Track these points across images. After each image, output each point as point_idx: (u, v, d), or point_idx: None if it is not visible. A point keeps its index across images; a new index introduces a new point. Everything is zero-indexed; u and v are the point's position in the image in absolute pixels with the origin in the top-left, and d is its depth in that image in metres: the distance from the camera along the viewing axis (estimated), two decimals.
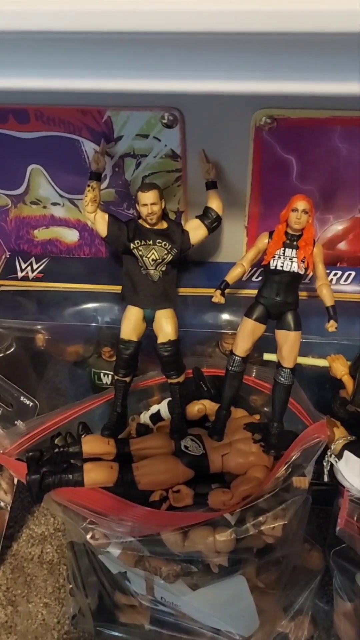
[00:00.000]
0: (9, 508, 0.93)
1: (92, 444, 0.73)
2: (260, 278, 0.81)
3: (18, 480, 0.94)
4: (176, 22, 0.45)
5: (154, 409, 0.84)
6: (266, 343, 0.74)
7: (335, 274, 0.81)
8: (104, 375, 0.90)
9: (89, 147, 0.72)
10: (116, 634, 0.83)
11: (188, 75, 0.50)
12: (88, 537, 0.70)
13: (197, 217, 0.71)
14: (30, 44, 0.50)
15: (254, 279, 0.81)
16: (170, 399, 0.79)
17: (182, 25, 0.45)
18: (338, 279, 0.81)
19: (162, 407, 0.83)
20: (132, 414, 0.84)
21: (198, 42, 0.48)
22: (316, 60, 0.47)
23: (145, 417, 0.84)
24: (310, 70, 0.48)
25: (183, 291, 0.80)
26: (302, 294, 0.75)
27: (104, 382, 0.90)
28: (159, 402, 0.85)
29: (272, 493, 0.68)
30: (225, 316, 0.80)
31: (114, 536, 0.69)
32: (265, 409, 0.84)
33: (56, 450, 0.72)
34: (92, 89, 0.52)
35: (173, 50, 0.49)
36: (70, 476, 0.69)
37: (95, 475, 0.69)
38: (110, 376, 0.89)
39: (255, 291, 0.72)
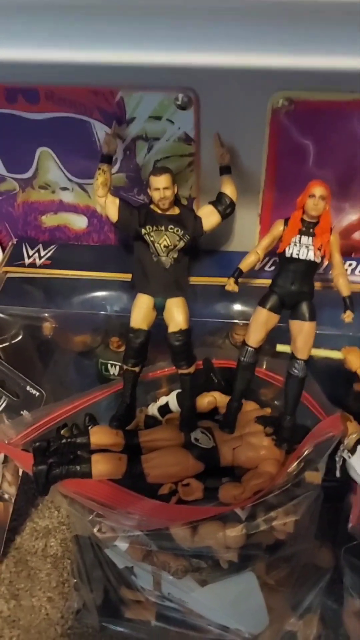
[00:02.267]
0: (13, 500, 0.91)
1: (100, 435, 0.71)
2: (273, 268, 0.79)
3: (22, 473, 0.93)
4: None
5: (162, 400, 0.82)
6: (278, 334, 0.72)
7: (350, 265, 0.79)
8: (112, 366, 0.88)
9: (100, 130, 0.70)
10: (121, 629, 0.82)
11: (202, 48, 0.48)
12: (95, 530, 0.68)
13: (210, 203, 0.69)
14: (39, 13, 0.48)
15: (266, 268, 0.79)
16: (179, 390, 0.78)
17: None
18: (353, 270, 0.79)
19: (171, 399, 0.81)
20: (140, 406, 0.82)
21: (213, 11, 0.45)
22: (339, 33, 0.45)
23: (153, 409, 0.82)
24: (332, 43, 0.46)
25: (194, 280, 0.78)
26: (315, 285, 0.73)
27: (112, 373, 0.88)
28: (167, 394, 0.83)
29: (283, 488, 0.67)
30: (237, 306, 0.79)
31: (122, 530, 0.68)
32: (275, 402, 0.82)
33: (63, 440, 0.70)
34: (102, 61, 0.50)
35: (187, 22, 0.47)
36: (78, 467, 0.67)
37: (103, 466, 0.68)
38: (117, 367, 0.88)
39: (268, 281, 0.70)
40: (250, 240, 0.80)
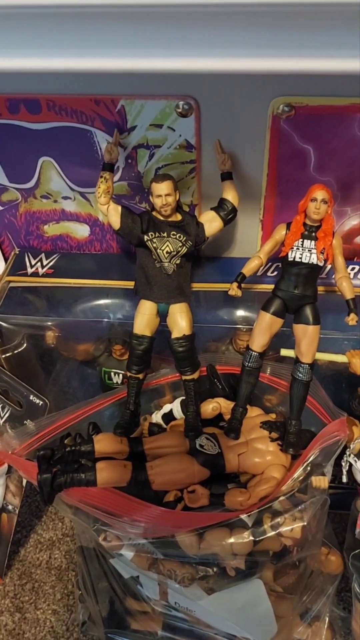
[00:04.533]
0: (17, 512, 0.91)
1: (104, 443, 0.70)
2: (275, 273, 0.79)
3: (26, 485, 0.92)
4: None
5: (166, 408, 0.82)
6: (281, 340, 0.72)
7: (353, 269, 0.79)
8: (115, 375, 0.88)
9: (102, 139, 0.70)
10: None
11: (201, 54, 0.48)
12: (100, 539, 0.68)
13: (212, 209, 0.69)
14: (36, 21, 0.47)
15: (269, 273, 0.79)
16: (182, 397, 0.78)
17: None
18: (355, 274, 0.79)
19: (175, 406, 0.81)
20: (144, 414, 0.82)
21: (214, 15, 0.45)
22: (340, 36, 0.45)
23: (157, 417, 0.82)
24: (334, 46, 0.46)
25: (196, 286, 0.78)
26: (318, 289, 0.73)
27: (115, 381, 0.88)
28: (170, 402, 0.83)
29: (290, 493, 0.66)
30: (240, 312, 0.78)
31: (127, 538, 0.67)
32: (281, 408, 0.82)
33: (68, 449, 0.70)
34: (100, 69, 0.50)
35: (186, 26, 0.47)
36: (83, 475, 0.67)
37: (108, 474, 0.67)
38: (121, 375, 0.87)
39: (270, 286, 0.70)
40: (252, 246, 0.80)
